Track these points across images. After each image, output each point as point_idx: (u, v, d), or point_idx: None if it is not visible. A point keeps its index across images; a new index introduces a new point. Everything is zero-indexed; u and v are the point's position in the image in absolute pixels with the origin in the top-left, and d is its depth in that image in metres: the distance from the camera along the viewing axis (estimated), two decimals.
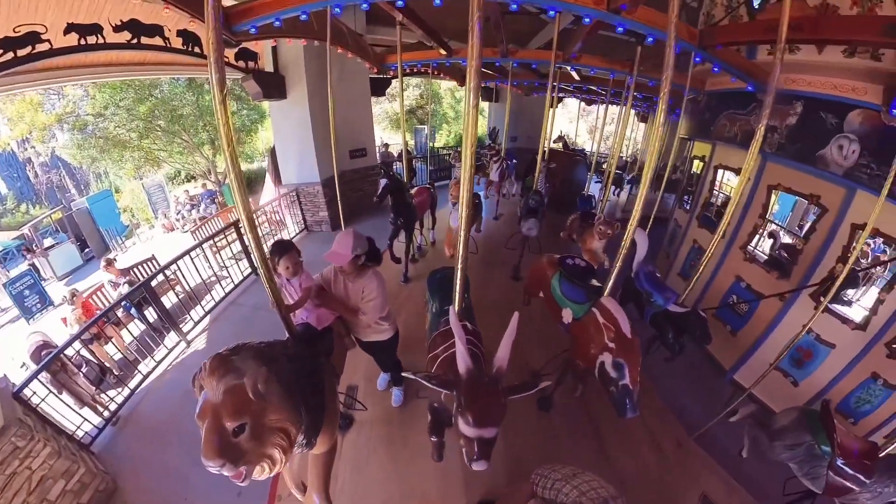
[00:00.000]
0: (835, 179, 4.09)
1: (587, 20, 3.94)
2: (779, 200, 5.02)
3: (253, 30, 4.11)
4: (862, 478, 2.62)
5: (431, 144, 11.71)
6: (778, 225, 5.21)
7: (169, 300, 6.43)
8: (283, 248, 2.75)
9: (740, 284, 5.29)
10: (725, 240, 5.31)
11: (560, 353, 3.56)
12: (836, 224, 4.16)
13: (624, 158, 13.09)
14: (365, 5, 4.04)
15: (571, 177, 10.02)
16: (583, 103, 13.32)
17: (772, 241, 5.20)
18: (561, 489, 1.50)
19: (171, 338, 5.59)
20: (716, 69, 4.50)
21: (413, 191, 6.19)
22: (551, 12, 4.02)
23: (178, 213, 14.47)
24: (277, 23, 4.07)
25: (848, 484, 2.65)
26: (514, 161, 10.25)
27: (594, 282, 3.49)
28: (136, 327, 6.34)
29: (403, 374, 2.21)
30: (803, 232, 4.65)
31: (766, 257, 5.12)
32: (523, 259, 6.17)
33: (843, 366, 4.28)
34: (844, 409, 4.33)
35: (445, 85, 21.73)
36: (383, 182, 5.16)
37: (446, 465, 3.13)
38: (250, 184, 16.98)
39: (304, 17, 4.10)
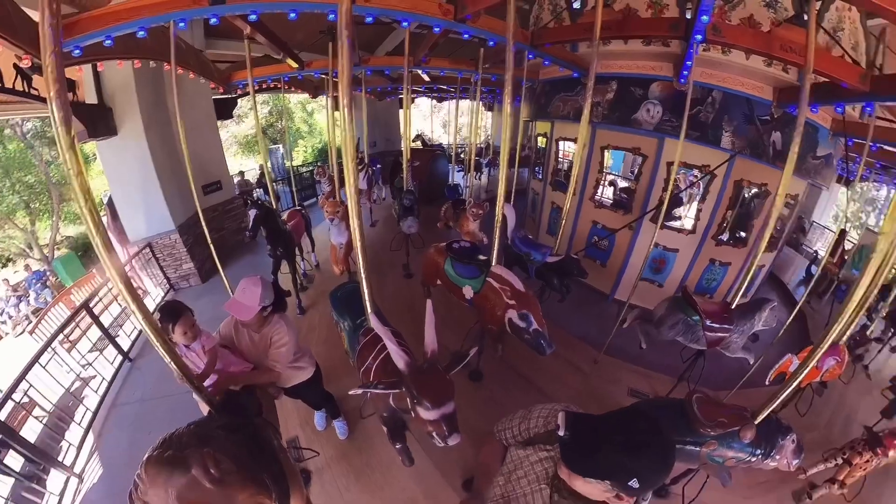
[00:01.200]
0: (648, 134, 5.48)
1: (437, 29, 4.39)
2: (611, 156, 6.28)
3: (77, 51, 3.44)
4: (727, 326, 3.67)
5: (290, 164, 11.26)
6: (615, 175, 6.49)
7: (32, 431, 4.77)
8: (176, 312, 2.42)
9: (597, 227, 6.52)
10: (577, 196, 6.44)
11: (472, 326, 3.99)
12: (656, 165, 5.56)
13: (479, 145, 14.20)
14: (214, 19, 3.63)
15: (435, 171, 10.52)
16: (434, 101, 14.15)
17: (612, 188, 6.51)
18: (528, 427, 1.61)
19: (56, 478, 4.06)
20: (546, 63, 5.57)
21: (284, 216, 5.91)
22: (404, 23, 4.25)
23: (0, 314, 10.56)
24: (109, 41, 3.44)
25: (720, 334, 3.68)
26: (378, 166, 10.35)
27: (480, 257, 4.00)
28: (3, 484, 4.33)
29: (350, 392, 2.13)
30: (634, 176, 5.99)
31: (611, 201, 6.44)
32: (410, 256, 6.34)
33: (688, 262, 5.95)
34: (700, 290, 6.05)
35: (295, 98, 20.66)
36: (252, 213, 4.74)
37: (420, 466, 3.17)
38: (87, 250, 13.51)
39: (141, 33, 3.52)
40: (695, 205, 5.78)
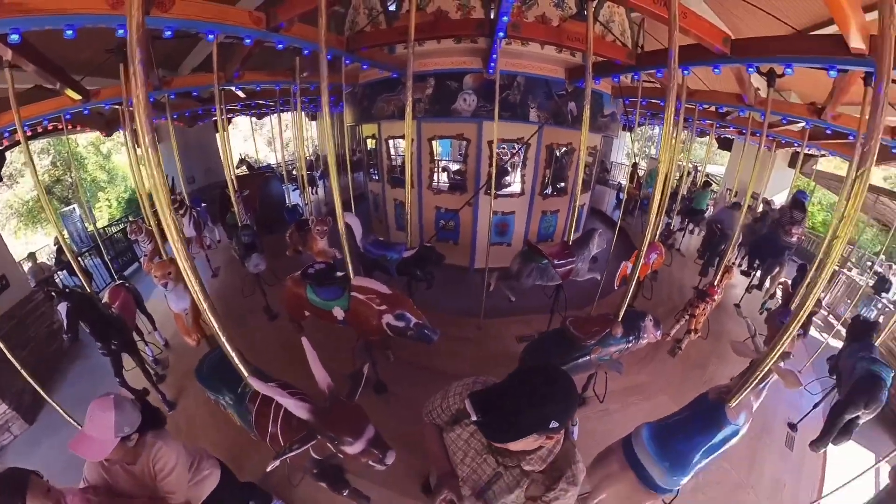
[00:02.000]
0: (468, 120, 6.26)
1: (248, 41, 4.17)
2: (440, 145, 6.94)
3: None
4: (571, 259, 4.54)
5: (93, 226, 8.38)
6: (446, 161, 7.22)
7: None
8: (18, 485, 1.80)
9: (441, 211, 7.14)
10: (415, 188, 6.93)
11: (355, 343, 3.98)
12: (479, 146, 6.39)
13: (309, 158, 13.50)
14: None
15: (268, 195, 9.64)
16: (254, 118, 13.10)
17: (446, 173, 7.22)
18: (449, 405, 1.69)
19: None
20: (365, 66, 5.94)
21: (105, 298, 4.68)
22: (210, 36, 3.83)
23: None
24: None
25: (567, 267, 4.54)
26: (204, 205, 8.72)
27: (338, 274, 4.01)
28: None
29: (268, 468, 2.02)
30: (463, 159, 6.76)
31: (448, 185, 7.15)
32: (268, 296, 5.77)
33: (525, 219, 7.08)
34: (542, 237, 7.33)
35: (83, 139, 16.51)
36: (63, 308, 3.72)
37: (378, 497, 3.15)
38: None
39: None
40: (519, 172, 6.89)
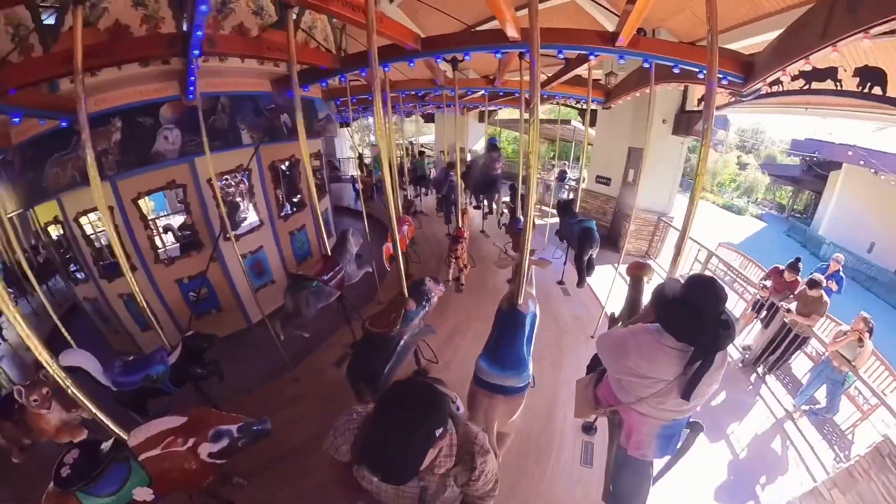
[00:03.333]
0: (176, 161, 5.41)
1: None
2: (151, 202, 5.69)
3: None
4: (338, 268, 4.73)
5: None
6: (165, 218, 5.97)
7: None
8: None
9: (184, 282, 5.99)
10: (140, 268, 5.60)
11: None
12: (198, 188, 5.65)
13: None
14: None
15: None
16: None
17: (170, 232, 6.06)
18: (340, 444, 1.60)
19: None
20: (16, 119, 4.17)
21: None
22: None
23: None
24: None
25: (339, 276, 4.68)
26: None
27: (103, 446, 2.76)
28: None
29: None
30: (185, 208, 5.82)
31: (178, 247, 6.04)
32: None
33: (276, 248, 6.95)
34: (301, 257, 7.54)
35: None
36: None
37: None
38: None
39: None
40: (249, 201, 6.49)
